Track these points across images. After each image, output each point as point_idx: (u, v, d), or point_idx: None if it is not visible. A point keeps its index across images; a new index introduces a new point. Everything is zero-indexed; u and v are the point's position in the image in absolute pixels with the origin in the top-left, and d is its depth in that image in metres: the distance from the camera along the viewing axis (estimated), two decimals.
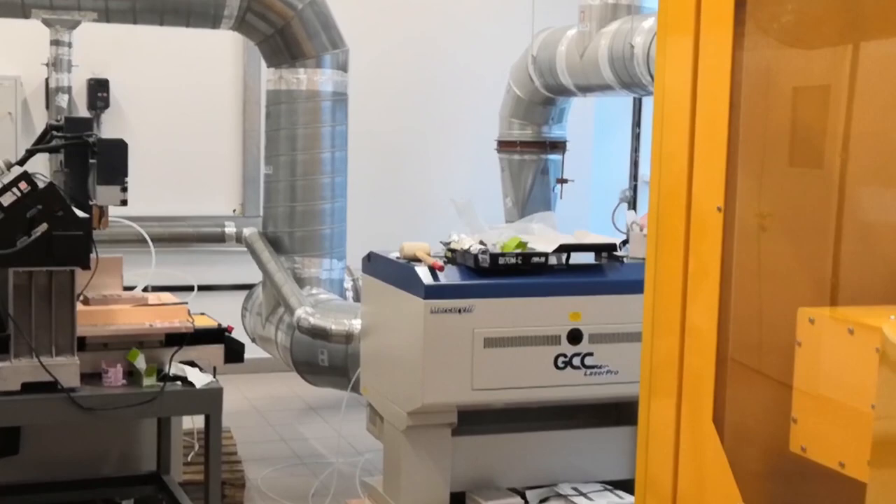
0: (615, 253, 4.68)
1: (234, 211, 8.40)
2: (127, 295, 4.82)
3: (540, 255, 4.55)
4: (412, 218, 8.32)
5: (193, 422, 5.37)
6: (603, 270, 4.66)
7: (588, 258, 4.73)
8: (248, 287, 7.13)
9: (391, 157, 8.73)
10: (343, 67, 6.52)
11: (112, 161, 4.43)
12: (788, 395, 2.21)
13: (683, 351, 2.49)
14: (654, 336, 2.60)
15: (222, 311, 5.59)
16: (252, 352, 6.69)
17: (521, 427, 4.78)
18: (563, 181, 7.29)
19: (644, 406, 2.65)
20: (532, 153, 7.28)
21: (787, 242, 2.54)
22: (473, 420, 4.67)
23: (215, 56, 8.24)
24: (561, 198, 7.38)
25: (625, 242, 4.77)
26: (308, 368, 6.29)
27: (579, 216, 7.85)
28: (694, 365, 2.47)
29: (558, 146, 7.28)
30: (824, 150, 2.45)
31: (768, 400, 2.55)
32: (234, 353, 4.75)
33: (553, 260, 4.60)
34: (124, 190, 4.43)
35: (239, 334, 5.57)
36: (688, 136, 2.40)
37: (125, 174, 4.45)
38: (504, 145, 7.41)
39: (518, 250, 4.55)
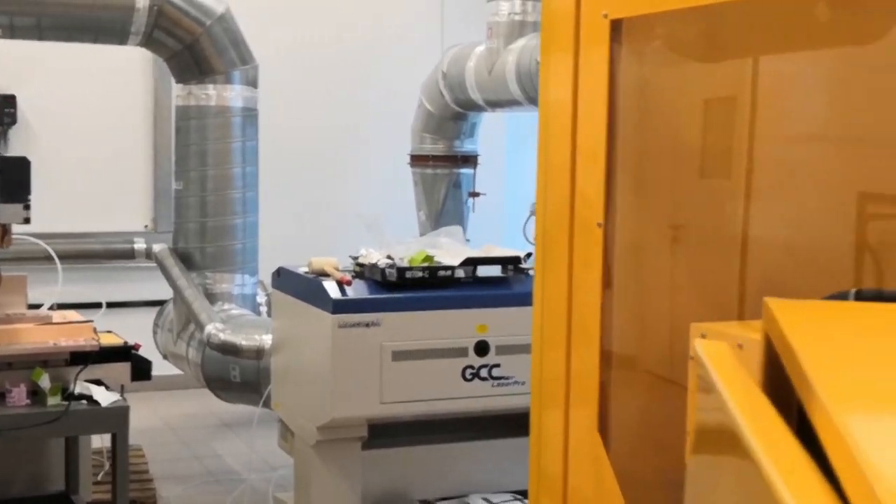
0: (521, 265, 4.75)
1: (146, 227, 8.34)
2: (31, 314, 4.78)
3: (446, 268, 4.61)
4: (327, 233, 8.32)
5: (103, 441, 5.33)
6: (509, 283, 4.72)
7: (495, 271, 4.80)
8: (160, 304, 7.09)
9: (305, 172, 8.74)
10: (253, 83, 6.53)
11: (15, 179, 4.41)
12: (674, 404, 2.28)
13: (570, 362, 2.55)
14: (542, 348, 2.66)
15: (134, 329, 5.57)
16: (165, 369, 6.68)
17: (432, 439, 4.82)
18: (475, 195, 7.36)
19: (535, 416, 2.71)
20: (444, 167, 7.35)
21: (668, 254, 2.62)
22: (384, 433, 4.69)
23: (125, 71, 8.19)
24: (473, 211, 7.45)
25: (529, 255, 4.83)
26: (220, 385, 6.27)
27: (492, 229, 7.92)
28: (579, 376, 2.53)
29: (470, 160, 7.36)
30: (703, 165, 2.53)
31: (653, 409, 2.62)
32: (142, 370, 4.73)
33: (461, 273, 4.66)
34: (27, 208, 4.41)
35: (150, 351, 5.55)
36: (569, 153, 2.47)
37: (28, 192, 4.43)
38: (417, 160, 7.47)
39: (425, 264, 4.60)
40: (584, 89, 2.42)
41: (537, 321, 2.67)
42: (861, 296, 2.11)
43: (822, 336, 1.24)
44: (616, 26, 2.34)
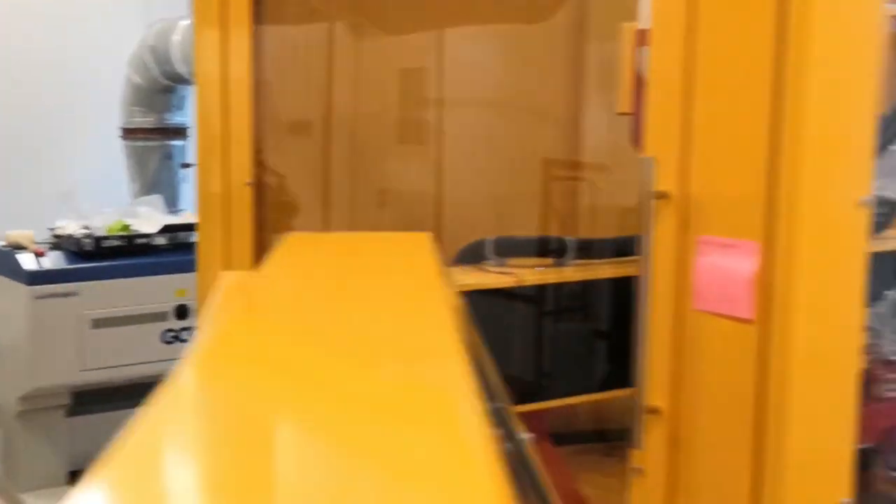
0: None
1: None
2: None
3: (144, 236, 4.74)
4: (38, 209, 8.21)
5: None
6: None
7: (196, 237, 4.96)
8: None
9: (11, 152, 8.57)
10: None
11: None
12: None
13: None
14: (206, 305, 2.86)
15: None
16: None
17: (137, 403, 4.88)
18: (186, 165, 7.44)
19: None
20: (155, 140, 7.39)
21: (322, 209, 2.87)
22: (90, 399, 4.78)
23: None
24: (186, 181, 7.53)
25: None
26: None
27: None
28: None
29: (180, 132, 7.43)
30: (344, 125, 2.79)
31: None
32: None
33: (161, 241, 4.79)
34: None
35: None
36: (220, 120, 2.67)
37: None
38: (128, 133, 7.47)
39: (122, 233, 4.71)
40: (232, 60, 2.63)
41: (201, 279, 2.87)
42: (498, 242, 2.42)
43: (288, 261, 1.52)
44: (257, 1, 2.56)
